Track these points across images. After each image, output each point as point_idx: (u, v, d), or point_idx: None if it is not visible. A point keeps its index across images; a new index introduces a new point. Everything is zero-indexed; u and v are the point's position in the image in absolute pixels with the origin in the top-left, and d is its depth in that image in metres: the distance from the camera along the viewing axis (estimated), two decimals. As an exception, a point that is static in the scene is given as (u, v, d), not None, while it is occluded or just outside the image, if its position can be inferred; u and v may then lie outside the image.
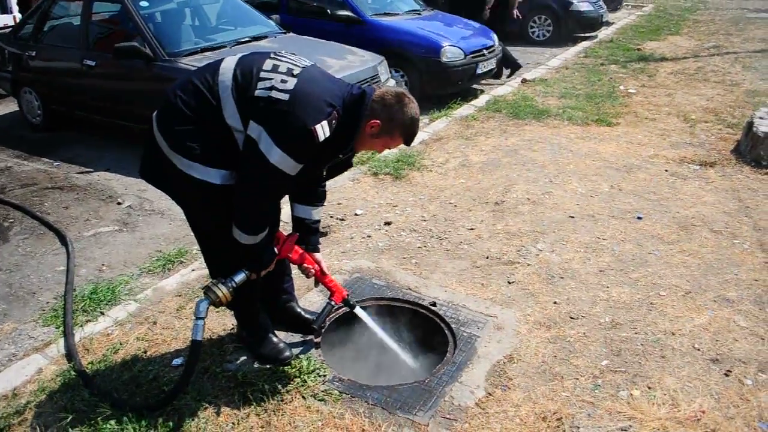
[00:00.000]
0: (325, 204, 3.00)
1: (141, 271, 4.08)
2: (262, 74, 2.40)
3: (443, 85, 7.87)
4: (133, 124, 6.00)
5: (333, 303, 2.97)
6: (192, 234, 4.50)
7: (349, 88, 2.52)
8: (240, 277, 2.64)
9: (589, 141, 6.31)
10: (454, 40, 7.87)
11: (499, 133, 6.57)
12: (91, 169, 5.83)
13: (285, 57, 2.51)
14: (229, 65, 2.46)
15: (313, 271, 2.87)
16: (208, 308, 2.63)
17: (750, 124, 5.83)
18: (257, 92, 2.36)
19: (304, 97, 2.36)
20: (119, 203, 5.14)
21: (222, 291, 2.61)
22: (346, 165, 2.73)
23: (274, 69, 2.42)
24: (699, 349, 3.14)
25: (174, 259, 4.19)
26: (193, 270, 3.93)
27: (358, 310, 3.01)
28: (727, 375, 2.97)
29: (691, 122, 6.95)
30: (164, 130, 2.47)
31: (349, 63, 6.23)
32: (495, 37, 8.68)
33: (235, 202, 2.47)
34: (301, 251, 2.85)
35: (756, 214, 4.65)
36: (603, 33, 13.12)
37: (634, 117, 7.19)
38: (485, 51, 8.18)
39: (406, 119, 2.50)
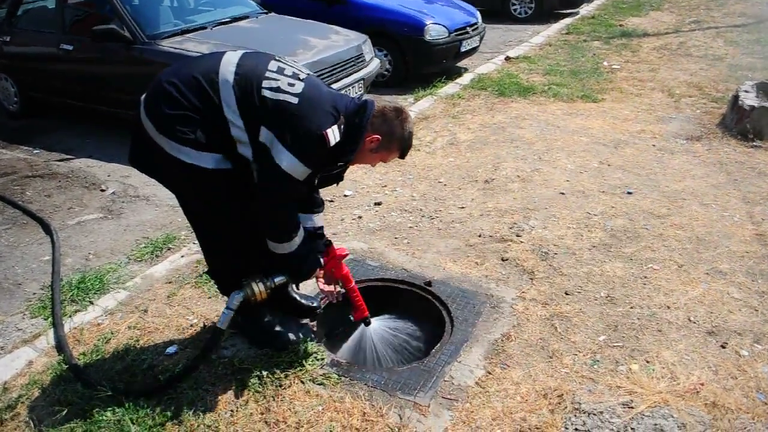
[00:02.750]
0: (323, 211, 2.96)
1: (129, 259, 4.01)
2: (268, 74, 2.38)
3: (427, 63, 7.79)
4: (113, 109, 5.87)
5: (352, 318, 2.98)
6: (180, 219, 4.51)
7: (349, 98, 2.54)
8: (279, 279, 2.69)
9: (576, 117, 6.29)
10: (438, 17, 7.77)
11: (485, 111, 6.53)
12: (72, 156, 5.69)
13: (288, 62, 2.50)
14: (231, 59, 2.42)
15: (351, 287, 2.91)
16: (241, 302, 2.64)
17: (735, 98, 5.84)
18: (264, 92, 2.34)
19: (313, 101, 2.37)
20: (103, 190, 5.03)
21: (259, 288, 2.64)
22: (337, 178, 2.73)
23: (280, 71, 2.40)
24: (695, 322, 3.15)
25: (162, 245, 4.12)
26: (182, 256, 3.86)
27: (370, 328, 3.01)
28: (723, 347, 2.98)
29: (675, 97, 6.96)
30: (152, 114, 2.39)
31: (332, 42, 6.14)
32: (478, 14, 8.60)
33: (259, 215, 2.51)
34: (347, 270, 2.88)
35: (744, 187, 4.66)
36: (584, 9, 13.05)
37: (619, 93, 7.18)
38: (468, 28, 8.09)
39: (405, 134, 2.55)
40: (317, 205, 2.87)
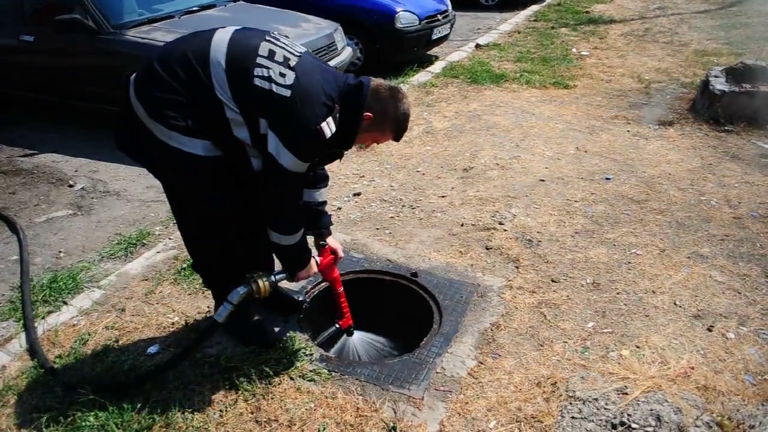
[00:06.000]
0: (328, 186, 2.90)
1: (102, 256, 3.87)
2: (259, 60, 2.26)
3: (398, 51, 7.71)
4: (78, 102, 5.67)
5: (339, 326, 2.93)
6: (152, 215, 4.39)
7: (344, 78, 2.44)
8: (280, 276, 2.65)
9: (549, 104, 6.29)
10: (408, 5, 7.68)
11: (459, 99, 6.49)
12: (36, 151, 5.47)
13: (280, 41, 2.37)
14: (222, 39, 2.30)
15: (339, 291, 2.88)
16: (243, 297, 2.55)
17: (705, 83, 5.91)
18: (256, 81, 2.24)
19: (305, 93, 2.26)
20: (71, 186, 4.85)
21: (263, 284, 2.57)
22: (338, 156, 2.66)
23: (271, 56, 2.28)
24: (681, 306, 3.17)
25: (136, 241, 3.99)
26: (158, 252, 3.74)
27: (354, 338, 3.01)
28: (710, 330, 3.00)
29: (645, 83, 7.02)
30: (143, 96, 2.28)
31: (304, 31, 6.02)
32: (448, 1, 8.55)
33: (263, 207, 2.45)
34: (338, 274, 2.85)
35: (719, 171, 4.72)
36: (550, -4, 13.13)
37: (590, 79, 7.22)
38: (439, 16, 8.04)
39: (399, 114, 2.45)
40: (320, 181, 2.79)
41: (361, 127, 2.42)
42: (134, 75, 2.35)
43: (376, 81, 2.45)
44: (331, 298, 2.92)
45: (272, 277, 2.61)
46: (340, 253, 2.89)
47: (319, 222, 2.82)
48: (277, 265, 2.86)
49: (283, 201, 2.44)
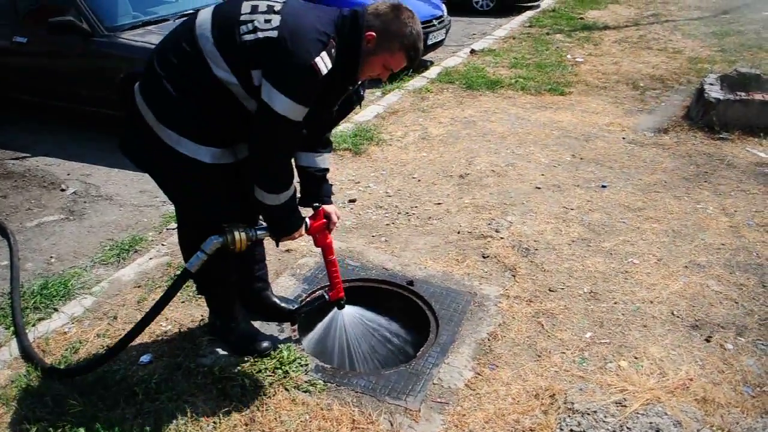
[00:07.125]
0: (332, 151, 2.76)
1: (94, 262, 3.81)
2: (243, 18, 2.18)
3: (394, 56, 7.68)
4: (71, 104, 5.62)
5: (327, 297, 2.81)
6: (145, 220, 4.34)
7: (338, 12, 2.30)
8: (261, 233, 2.50)
9: (545, 110, 6.29)
10: (404, 10, 7.67)
11: (455, 105, 6.48)
12: (28, 154, 5.41)
13: None
14: (205, 17, 2.25)
15: (331, 259, 2.73)
16: (217, 246, 2.42)
17: (700, 91, 5.91)
18: (243, 37, 2.15)
19: (294, 30, 2.14)
20: (63, 190, 4.79)
21: (241, 236, 2.41)
22: (358, 100, 2.55)
23: (254, 10, 2.20)
24: (678, 316, 3.15)
25: (128, 247, 3.94)
26: (150, 258, 3.70)
27: (345, 311, 2.86)
28: (708, 341, 2.98)
29: (640, 90, 7.04)
30: (150, 101, 2.26)
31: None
32: (444, 7, 8.54)
33: (250, 159, 2.31)
34: (330, 240, 2.71)
35: (714, 179, 4.72)
36: (545, 2, 13.15)
37: (585, 86, 7.22)
38: (435, 21, 8.03)
39: (405, 30, 2.25)
40: (323, 146, 2.67)
41: (364, 50, 2.25)
42: (138, 83, 2.33)
43: (373, 4, 2.32)
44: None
45: (252, 231, 2.46)
46: (334, 218, 2.70)
47: (319, 190, 2.70)
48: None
49: (273, 154, 2.27)
